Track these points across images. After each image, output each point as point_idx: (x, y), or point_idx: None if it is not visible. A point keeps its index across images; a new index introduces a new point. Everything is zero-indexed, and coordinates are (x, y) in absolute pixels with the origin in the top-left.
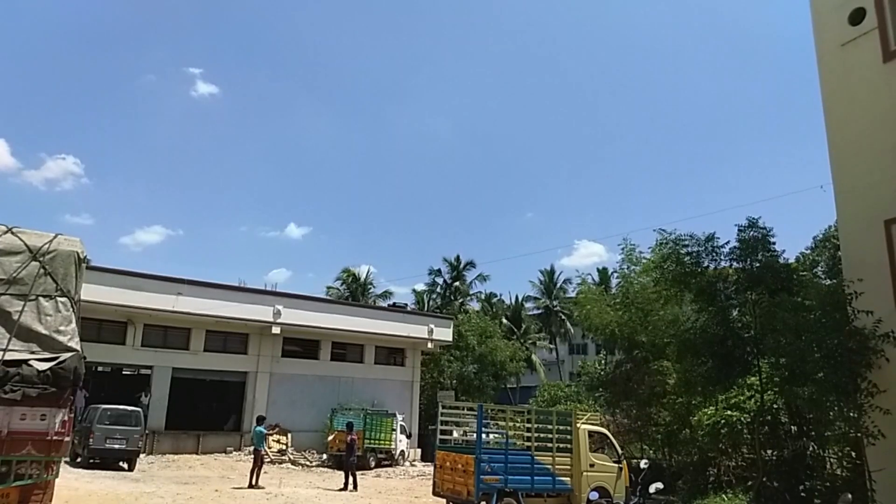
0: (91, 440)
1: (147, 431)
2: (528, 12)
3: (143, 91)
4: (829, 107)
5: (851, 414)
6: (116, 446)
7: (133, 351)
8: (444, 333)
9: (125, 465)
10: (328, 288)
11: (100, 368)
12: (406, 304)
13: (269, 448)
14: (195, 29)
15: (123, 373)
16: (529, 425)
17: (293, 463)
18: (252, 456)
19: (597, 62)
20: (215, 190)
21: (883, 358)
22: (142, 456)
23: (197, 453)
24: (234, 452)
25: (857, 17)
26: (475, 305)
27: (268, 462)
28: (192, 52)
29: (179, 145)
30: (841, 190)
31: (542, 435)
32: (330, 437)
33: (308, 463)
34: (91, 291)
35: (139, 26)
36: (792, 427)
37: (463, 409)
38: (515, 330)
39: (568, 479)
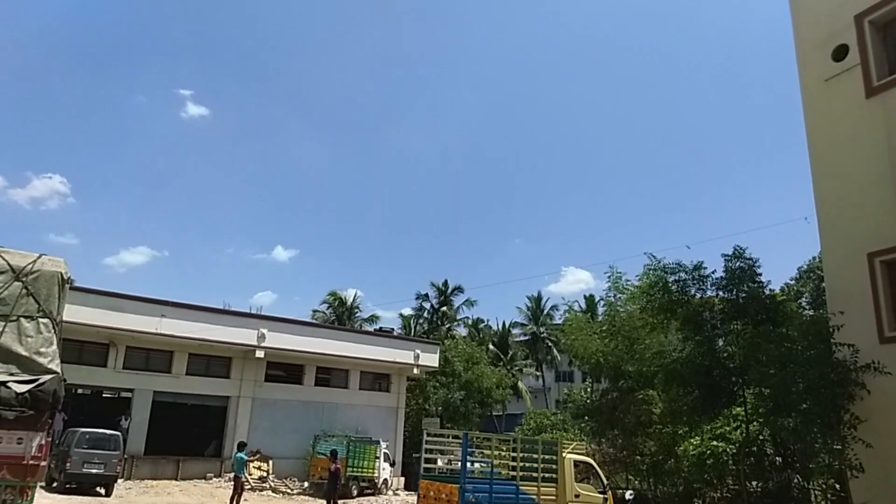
0: (68, 464)
1: (126, 456)
2: (519, 40)
3: (132, 111)
4: (813, 140)
5: (836, 446)
6: (94, 471)
7: (114, 373)
8: (431, 359)
9: (102, 491)
10: (314, 311)
11: (80, 391)
12: (393, 329)
13: (250, 475)
14: (187, 51)
15: (104, 395)
16: (515, 454)
17: (274, 490)
18: (232, 483)
19: (586, 91)
20: (203, 211)
21: (864, 390)
22: (119, 481)
23: (176, 479)
24: (215, 479)
25: (840, 53)
26: (462, 331)
27: (248, 489)
28: (184, 74)
29: (168, 166)
30: (825, 222)
31: (527, 464)
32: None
33: (289, 490)
34: (73, 312)
35: (130, 47)
36: (777, 458)
37: (448, 437)
38: (502, 356)
39: None
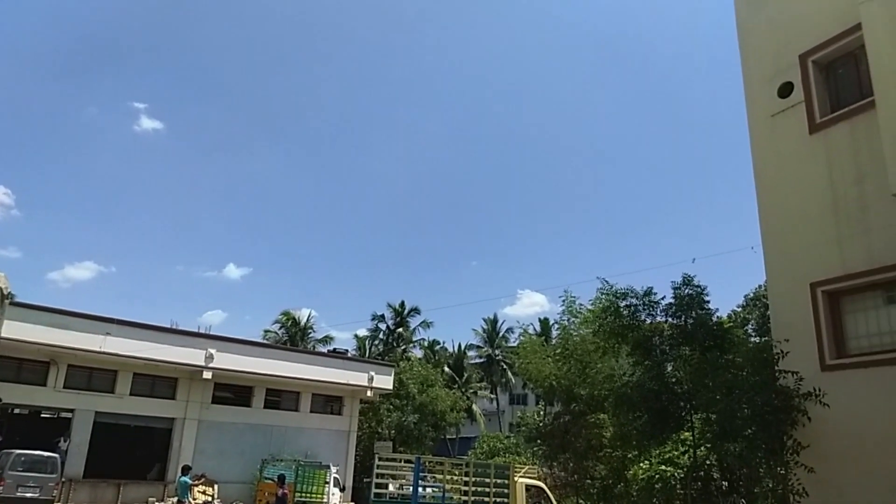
0: (1, 488)
1: (63, 479)
2: (477, 67)
3: (83, 123)
4: (760, 173)
5: (780, 470)
6: (29, 495)
7: (54, 393)
8: (385, 381)
9: None
10: (265, 331)
11: (16, 410)
12: (347, 350)
13: (194, 499)
14: (142, 63)
15: (42, 416)
16: (467, 478)
17: None
18: None
19: (543, 118)
20: (153, 227)
21: (806, 417)
22: None
23: None
24: (157, 503)
25: (785, 90)
26: (418, 352)
27: None
28: (139, 86)
29: (118, 180)
30: (770, 252)
31: (479, 489)
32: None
33: None
34: (13, 329)
35: (83, 57)
36: (723, 483)
37: (400, 461)
38: (457, 378)
39: None
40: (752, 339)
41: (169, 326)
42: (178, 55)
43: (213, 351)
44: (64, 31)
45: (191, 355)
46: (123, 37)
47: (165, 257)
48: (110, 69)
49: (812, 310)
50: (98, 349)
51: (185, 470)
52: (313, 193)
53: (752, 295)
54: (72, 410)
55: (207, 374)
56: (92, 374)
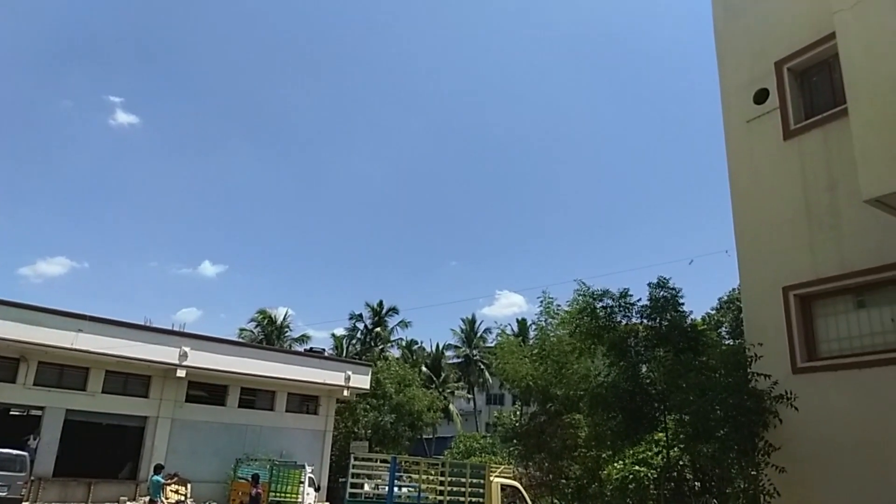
0: None
1: (32, 478)
2: (458, 67)
3: (57, 115)
4: (734, 178)
5: (752, 471)
6: None
7: (24, 390)
8: (362, 381)
9: None
10: (241, 330)
11: None
12: (324, 349)
13: (167, 498)
14: (119, 56)
15: (11, 413)
16: (443, 478)
17: None
18: None
19: (528, 120)
20: (127, 222)
21: (777, 419)
22: None
23: (87, 503)
24: (129, 503)
25: (760, 96)
26: (395, 352)
27: None
28: (115, 80)
29: (92, 174)
30: (744, 256)
31: (454, 488)
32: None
33: None
34: None
35: (58, 47)
36: (696, 484)
37: (376, 461)
38: (435, 378)
39: None
40: (726, 342)
41: (142, 324)
42: (156, 49)
43: (187, 349)
44: (38, 22)
45: (164, 353)
46: (99, 29)
47: (139, 253)
48: (86, 62)
49: (784, 313)
50: (70, 346)
51: (158, 469)
52: (291, 191)
53: (725, 298)
54: (42, 408)
55: (181, 373)
56: (63, 372)
